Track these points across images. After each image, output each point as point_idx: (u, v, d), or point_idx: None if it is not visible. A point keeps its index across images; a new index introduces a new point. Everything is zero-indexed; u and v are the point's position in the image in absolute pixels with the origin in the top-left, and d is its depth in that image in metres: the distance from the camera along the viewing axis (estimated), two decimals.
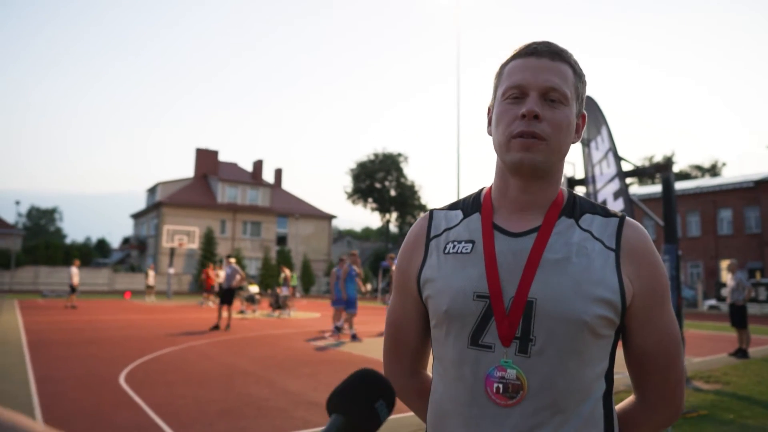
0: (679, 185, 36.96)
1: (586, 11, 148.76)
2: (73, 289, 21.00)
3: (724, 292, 19.46)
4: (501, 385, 1.01)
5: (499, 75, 1.15)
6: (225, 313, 14.22)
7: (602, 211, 1.14)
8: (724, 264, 33.88)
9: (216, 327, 13.97)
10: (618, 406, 1.16)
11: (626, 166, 8.14)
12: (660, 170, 8.84)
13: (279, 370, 8.27)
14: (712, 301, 27.75)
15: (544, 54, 1.09)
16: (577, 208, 1.14)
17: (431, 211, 1.24)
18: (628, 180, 7.14)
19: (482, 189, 1.23)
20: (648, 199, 32.47)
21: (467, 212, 1.19)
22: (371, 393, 0.76)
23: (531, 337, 1.01)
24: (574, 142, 1.15)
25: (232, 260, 15.19)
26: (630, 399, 1.18)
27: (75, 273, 21.19)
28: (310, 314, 16.88)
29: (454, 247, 1.14)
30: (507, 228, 1.11)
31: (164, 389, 6.79)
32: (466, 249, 1.11)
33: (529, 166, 1.06)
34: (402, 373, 1.28)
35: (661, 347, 1.09)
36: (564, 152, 1.11)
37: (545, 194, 1.12)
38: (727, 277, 11.68)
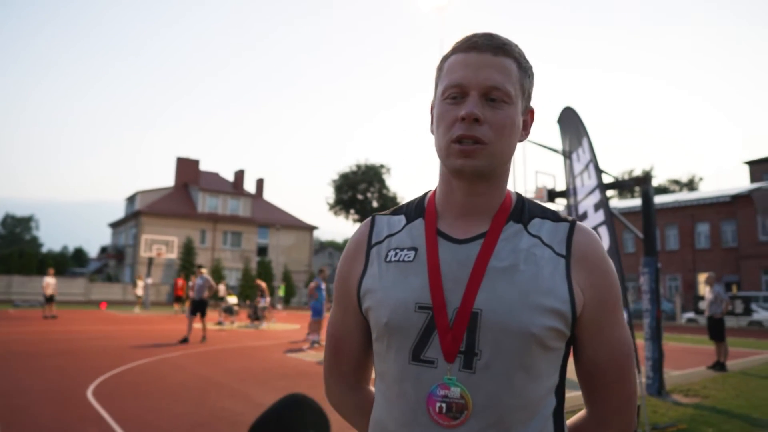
0: (658, 199, 37.41)
1: (570, 22, 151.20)
2: (47, 299, 20.39)
3: (702, 305, 19.63)
4: (444, 405, 0.94)
5: (440, 70, 1.07)
6: (198, 325, 13.86)
7: (552, 215, 1.08)
8: (702, 277, 34.31)
9: (185, 339, 13.38)
10: (569, 421, 1.10)
11: (606, 179, 8.16)
12: (639, 183, 8.89)
13: (255, 383, 8.08)
14: (690, 314, 28.00)
15: (485, 48, 1.01)
16: (525, 212, 1.07)
17: (373, 217, 1.18)
18: (609, 193, 7.15)
19: (427, 193, 1.17)
20: (627, 213, 32.81)
21: (410, 217, 1.12)
22: (298, 423, 0.67)
23: (476, 351, 0.95)
24: (521, 141, 1.08)
25: (203, 270, 14.73)
26: (581, 413, 1.11)
27: (50, 283, 20.56)
28: (289, 326, 16.64)
29: (396, 254, 1.07)
30: (452, 234, 1.05)
31: (135, 402, 6.57)
32: (409, 257, 1.05)
33: (470, 172, 1.00)
34: (342, 388, 1.19)
35: (613, 360, 1.03)
36: (508, 154, 1.04)
37: (491, 198, 1.06)
38: (705, 290, 11.74)
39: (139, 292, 25.96)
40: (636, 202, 37.04)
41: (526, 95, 1.07)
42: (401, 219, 1.13)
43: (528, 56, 1.08)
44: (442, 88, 1.04)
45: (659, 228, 35.59)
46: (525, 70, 1.05)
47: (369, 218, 1.18)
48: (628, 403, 1.06)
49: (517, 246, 1.01)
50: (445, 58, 1.07)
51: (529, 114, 1.10)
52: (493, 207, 1.06)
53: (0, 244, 66.60)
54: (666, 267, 35.91)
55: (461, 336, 0.96)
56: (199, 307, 13.84)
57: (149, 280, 31.53)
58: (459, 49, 1.04)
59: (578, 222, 1.08)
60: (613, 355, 1.03)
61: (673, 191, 59.38)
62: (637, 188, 8.31)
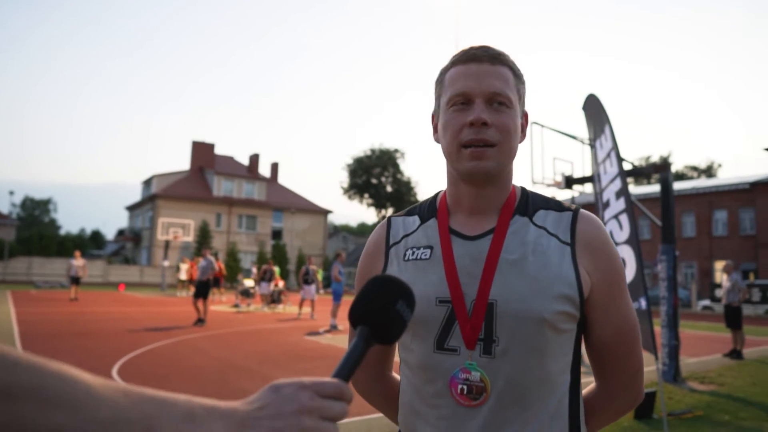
0: (676, 186, 37.01)
1: (585, 10, 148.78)
2: (74, 281, 20.46)
3: (719, 293, 19.53)
4: (465, 387, 1.04)
5: (440, 82, 1.16)
6: (201, 306, 13.75)
7: (556, 205, 1.15)
8: (719, 265, 34.00)
9: (200, 321, 13.45)
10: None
11: (625, 166, 8.12)
12: (658, 170, 8.85)
13: (273, 365, 8.23)
14: (706, 302, 27.83)
15: (484, 59, 1.10)
16: (530, 205, 1.15)
17: (389, 218, 1.27)
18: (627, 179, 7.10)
19: (438, 193, 1.26)
20: (644, 199, 32.52)
21: (424, 218, 1.21)
22: (389, 296, 0.74)
23: (494, 338, 1.04)
24: (520, 142, 1.16)
25: (208, 252, 14.82)
26: (591, 387, 1.20)
27: (78, 265, 20.45)
28: (305, 309, 16.84)
29: (413, 253, 1.15)
30: (463, 232, 1.13)
31: (157, 383, 6.73)
32: (425, 255, 1.13)
33: (482, 174, 1.08)
34: (368, 377, 1.29)
35: (620, 336, 1.12)
36: (513, 154, 1.12)
37: (498, 196, 1.14)
38: (722, 278, 11.67)
39: (183, 276, 26.37)
40: (653, 188, 36.69)
41: (522, 100, 1.15)
42: (415, 219, 1.22)
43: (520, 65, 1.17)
44: (447, 97, 1.12)
45: (676, 215, 35.26)
46: (519, 78, 1.14)
47: (385, 220, 1.28)
48: (635, 376, 1.15)
49: (525, 238, 1.09)
50: (444, 71, 1.16)
51: (524, 117, 1.18)
52: (500, 203, 1.14)
53: (19, 226, 67.65)
54: (682, 254, 35.58)
55: (480, 325, 1.04)
56: (202, 289, 13.80)
57: (166, 263, 31.94)
58: (459, 61, 1.12)
59: (581, 210, 1.15)
60: (620, 332, 1.11)
61: (691, 178, 58.67)
62: (655, 175, 8.27)
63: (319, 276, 17.38)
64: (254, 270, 22.67)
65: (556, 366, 1.06)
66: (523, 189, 1.20)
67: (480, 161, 1.07)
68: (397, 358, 1.28)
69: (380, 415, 1.36)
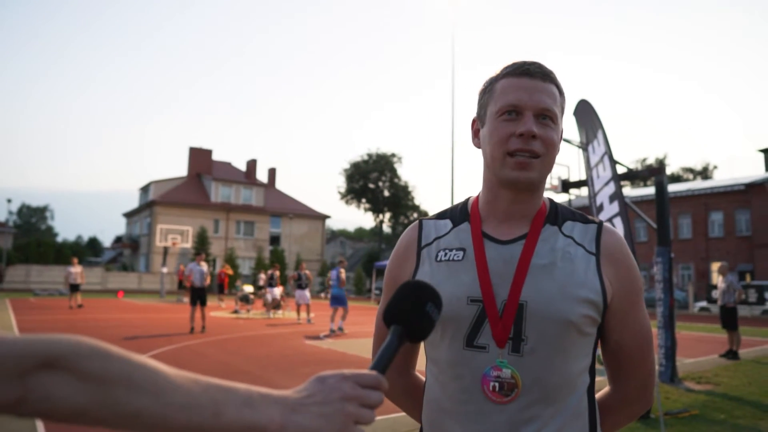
0: (671, 188, 37.19)
1: (581, 12, 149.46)
2: (73, 288, 20.31)
3: (715, 294, 19.62)
4: (497, 384, 1.09)
5: (490, 91, 1.20)
6: (198, 314, 13.44)
7: (581, 217, 1.23)
8: (715, 266, 34.12)
9: (192, 330, 13.14)
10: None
11: (620, 169, 8.24)
12: (653, 174, 8.96)
13: (276, 370, 8.31)
14: (703, 303, 27.97)
15: (536, 75, 1.16)
16: (559, 216, 1.22)
17: (420, 221, 1.32)
18: (621, 182, 7.23)
19: (468, 199, 1.32)
20: (640, 201, 32.64)
21: (456, 221, 1.26)
22: (419, 298, 0.85)
23: (523, 337, 1.10)
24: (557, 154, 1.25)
25: (201, 258, 14.38)
26: (605, 390, 1.27)
27: (76, 271, 20.34)
28: (304, 314, 16.92)
29: (446, 255, 1.21)
30: (496, 236, 1.19)
31: None
32: (458, 256, 1.19)
33: (525, 183, 1.15)
34: (391, 372, 1.29)
35: (635, 342, 1.19)
36: (552, 166, 1.20)
37: (532, 205, 1.21)
38: (717, 279, 11.78)
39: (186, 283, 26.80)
40: (648, 190, 36.83)
41: (562, 116, 1.23)
42: (447, 223, 1.27)
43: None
44: (498, 106, 1.16)
45: (672, 217, 35.42)
46: (563, 96, 1.22)
47: (416, 222, 1.33)
48: (648, 381, 1.23)
49: (554, 245, 1.17)
50: (494, 80, 1.21)
51: (562, 132, 1.27)
52: (532, 212, 1.21)
53: (16, 234, 67.51)
54: (679, 256, 35.77)
55: (510, 324, 1.11)
56: (199, 296, 13.54)
57: (164, 270, 31.95)
58: (511, 73, 1.18)
59: (605, 223, 1.23)
60: (636, 339, 1.20)
61: (687, 179, 58.94)
62: (651, 177, 8.39)
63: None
64: (262, 276, 22.33)
65: (578, 367, 1.13)
66: (551, 200, 1.28)
67: (525, 171, 1.13)
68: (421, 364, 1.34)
69: (404, 414, 1.45)
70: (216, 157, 53.67)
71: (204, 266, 14.02)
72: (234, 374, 7.88)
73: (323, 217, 52.92)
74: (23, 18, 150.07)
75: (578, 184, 9.79)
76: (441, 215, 1.31)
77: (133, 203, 54.87)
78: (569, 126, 8.10)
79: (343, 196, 57.77)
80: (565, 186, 9.75)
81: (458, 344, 1.14)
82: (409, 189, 58.16)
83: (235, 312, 19.76)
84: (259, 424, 0.69)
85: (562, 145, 8.61)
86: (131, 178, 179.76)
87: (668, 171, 59.02)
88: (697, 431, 5.46)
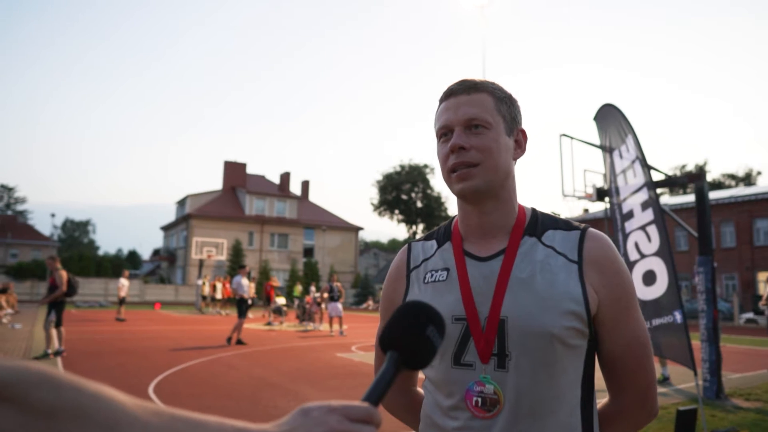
0: (713, 195, 36.06)
1: (614, 24, 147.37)
2: (121, 301, 20.89)
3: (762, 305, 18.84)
4: (480, 399, 1.10)
5: (434, 121, 1.26)
6: (247, 325, 13.88)
7: (564, 225, 1.21)
8: (762, 276, 32.89)
9: (236, 340, 13.26)
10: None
11: (657, 176, 7.97)
12: (693, 180, 8.65)
13: (306, 383, 8.26)
14: (749, 314, 26.90)
15: (459, 92, 1.20)
16: (539, 225, 1.21)
17: (409, 244, 1.36)
18: (658, 190, 7.00)
19: (452, 218, 1.33)
20: (680, 209, 31.77)
21: (441, 242, 1.29)
22: (419, 322, 0.76)
23: (507, 352, 1.10)
24: (517, 158, 1.24)
25: (242, 271, 14.84)
26: (604, 401, 1.24)
27: (124, 284, 21.05)
28: (336, 326, 16.87)
29: (431, 276, 1.24)
30: (476, 253, 1.20)
31: (192, 401, 6.83)
32: (442, 277, 1.21)
33: (471, 192, 1.16)
34: (394, 391, 1.34)
35: (629, 351, 1.15)
36: (504, 170, 1.18)
37: (503, 214, 1.20)
38: (765, 289, 11.28)
39: (218, 295, 27.89)
40: (689, 198, 35.80)
41: (509, 119, 1.21)
42: (433, 244, 1.30)
43: (505, 88, 1.26)
44: (436, 133, 1.24)
45: (714, 225, 34.31)
46: (500, 99, 1.21)
47: (406, 246, 1.36)
48: (646, 391, 1.18)
49: (534, 258, 1.15)
50: (436, 111, 1.26)
51: (520, 134, 1.25)
52: (508, 224, 1.21)
53: (60, 247, 69.58)
54: (722, 265, 34.53)
55: (493, 340, 1.11)
56: (245, 307, 13.98)
57: (200, 282, 32.42)
58: (441, 99, 1.24)
59: (590, 229, 1.20)
60: (629, 348, 1.15)
61: (729, 186, 57.11)
62: (690, 184, 8.09)
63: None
64: (313, 290, 20.86)
65: (566, 380, 1.10)
66: (533, 210, 1.27)
67: (466, 181, 1.15)
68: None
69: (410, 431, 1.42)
70: (250, 170, 54.57)
71: (245, 279, 14.44)
72: (264, 386, 7.86)
73: (356, 229, 53.06)
74: (53, 32, 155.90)
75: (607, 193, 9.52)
76: (428, 236, 1.35)
77: (171, 217, 56.03)
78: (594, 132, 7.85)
79: (376, 207, 57.91)
80: (600, 194, 9.48)
81: (447, 363, 1.15)
82: (442, 200, 57.93)
83: (269, 324, 19.84)
84: None
85: (597, 152, 8.35)
86: (169, 192, 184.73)
87: (709, 178, 57.62)
88: None
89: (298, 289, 25.91)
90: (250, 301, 15.07)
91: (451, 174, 1.17)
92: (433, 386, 1.21)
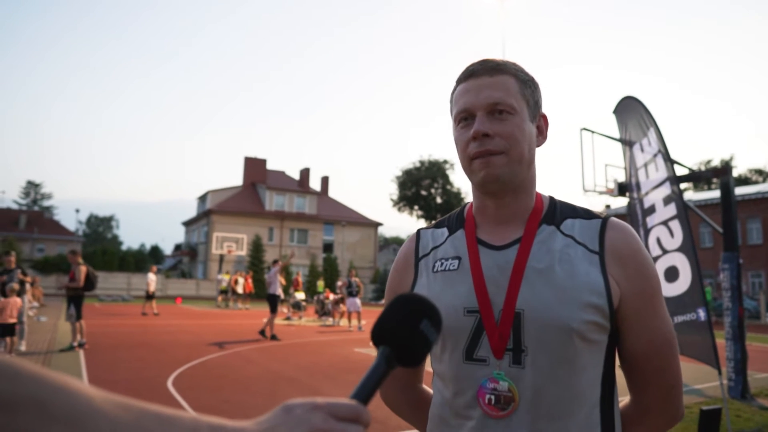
0: (739, 190, 35.21)
1: (632, 20, 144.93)
2: (149, 296, 20.77)
3: None
4: (493, 397, 1.03)
5: (450, 102, 1.18)
6: (265, 319, 13.76)
7: (584, 213, 1.14)
8: None
9: (272, 337, 13.28)
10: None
11: (680, 171, 7.79)
12: (718, 175, 8.45)
13: (324, 378, 8.26)
14: None
15: (481, 73, 1.11)
16: (557, 213, 1.15)
17: (418, 231, 1.28)
18: (682, 186, 6.84)
19: (465, 205, 1.26)
20: (704, 205, 31.17)
21: (452, 229, 1.22)
22: (413, 315, 0.71)
23: (523, 347, 1.03)
24: (539, 145, 1.16)
25: (275, 265, 14.68)
26: (626, 401, 1.16)
27: (152, 279, 20.91)
28: (355, 321, 16.90)
29: (441, 264, 1.16)
30: (490, 242, 1.13)
31: (211, 394, 6.87)
32: (453, 266, 1.14)
33: (494, 181, 1.09)
34: (397, 387, 1.30)
35: (653, 349, 1.08)
36: (527, 159, 1.11)
37: (521, 204, 1.14)
38: None
39: (239, 289, 27.86)
40: (714, 194, 35.10)
41: (532, 104, 1.14)
42: (444, 231, 1.23)
43: (527, 70, 1.17)
44: (454, 117, 1.15)
45: (740, 221, 33.55)
46: (524, 82, 1.14)
47: (414, 233, 1.29)
48: (671, 392, 1.10)
49: (552, 247, 1.08)
50: (452, 93, 1.18)
51: (542, 119, 1.18)
52: (525, 212, 1.14)
53: (85, 242, 70.82)
54: (749, 262, 33.80)
55: (507, 334, 1.04)
56: (276, 302, 13.96)
57: (221, 277, 32.72)
58: (460, 80, 1.15)
59: (611, 218, 1.13)
60: (653, 345, 1.08)
61: (756, 182, 55.87)
62: (715, 180, 7.91)
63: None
64: (338, 283, 20.39)
65: (586, 377, 1.04)
66: (551, 198, 1.20)
67: (489, 170, 1.08)
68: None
69: (413, 430, 1.35)
70: (270, 166, 54.84)
71: (280, 274, 14.46)
72: (282, 381, 7.88)
73: (376, 225, 53.07)
74: (74, 28, 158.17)
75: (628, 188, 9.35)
76: (439, 224, 1.27)
77: (192, 212, 56.66)
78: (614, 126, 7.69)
79: (396, 203, 57.80)
80: (622, 189, 9.32)
81: (458, 358, 1.09)
82: (462, 195, 57.60)
83: (287, 319, 19.94)
84: None
85: (618, 146, 8.19)
86: (190, 188, 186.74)
87: (735, 173, 56.34)
88: None
89: (321, 284, 25.90)
90: (282, 296, 15.06)
91: (472, 161, 1.10)
92: (442, 383, 1.14)
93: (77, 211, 49.07)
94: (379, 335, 0.71)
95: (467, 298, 1.08)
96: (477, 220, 1.18)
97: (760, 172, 58.86)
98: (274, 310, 13.75)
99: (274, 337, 13.25)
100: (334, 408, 0.60)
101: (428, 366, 1.26)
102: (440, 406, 1.13)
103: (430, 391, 1.24)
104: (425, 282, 1.17)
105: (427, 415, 1.21)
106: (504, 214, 1.14)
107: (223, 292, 28.77)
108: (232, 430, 0.60)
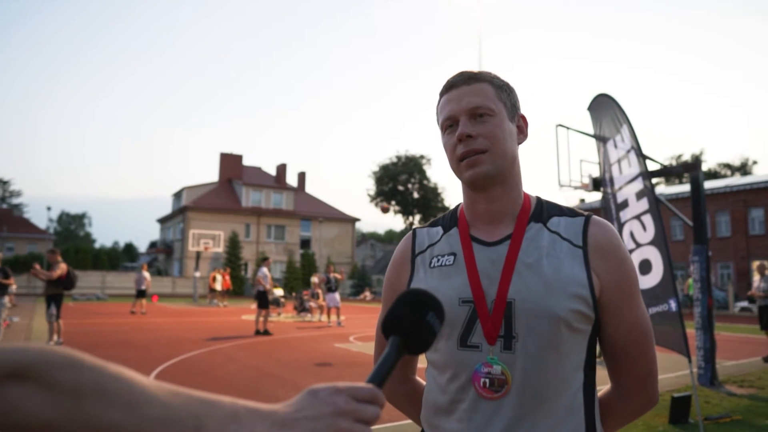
0: (708, 184, 36.12)
1: (611, 15, 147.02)
2: (139, 294, 20.61)
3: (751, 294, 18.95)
4: (487, 380, 1.12)
5: (436, 115, 1.29)
6: (260, 317, 14.12)
7: (569, 212, 1.25)
8: (757, 265, 33.08)
9: (263, 329, 13.80)
10: (598, 394, 1.25)
11: (653, 166, 8.01)
12: (688, 170, 8.71)
13: (305, 373, 8.32)
14: (744, 303, 27.11)
15: (460, 83, 1.23)
16: (544, 212, 1.24)
17: (414, 230, 1.38)
18: (654, 180, 7.09)
19: (458, 206, 1.36)
20: (675, 199, 31.87)
21: (446, 228, 1.31)
22: (420, 308, 0.80)
23: (514, 334, 1.12)
24: (521, 142, 1.28)
25: (265, 263, 15.20)
26: (607, 387, 1.27)
27: (146, 277, 20.85)
28: (334, 316, 16.97)
29: (438, 260, 1.26)
30: (483, 238, 1.23)
31: None
32: (449, 261, 1.23)
33: (482, 177, 1.19)
34: (393, 379, 1.36)
35: (631, 338, 1.18)
36: (510, 155, 1.22)
37: (509, 200, 1.24)
38: (755, 278, 11.40)
39: (218, 287, 27.39)
40: (684, 187, 35.91)
41: (510, 105, 1.25)
42: (439, 230, 1.33)
43: (502, 77, 1.29)
44: (440, 125, 1.27)
45: (709, 214, 34.40)
46: (500, 87, 1.25)
47: (410, 232, 1.38)
48: (647, 379, 1.21)
49: (540, 243, 1.18)
50: (437, 105, 1.29)
51: (521, 119, 1.29)
52: (514, 210, 1.24)
53: (56, 241, 69.47)
54: (717, 254, 34.75)
55: (500, 322, 1.13)
56: (267, 299, 14.27)
57: (197, 274, 32.44)
58: (442, 92, 1.27)
59: (593, 216, 1.24)
60: (631, 334, 1.18)
61: (725, 176, 57.28)
62: (686, 174, 8.15)
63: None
64: (315, 279, 20.02)
65: (570, 363, 1.13)
66: (538, 198, 1.30)
67: (476, 167, 1.18)
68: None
69: (409, 421, 1.44)
70: (246, 162, 54.35)
71: (268, 271, 14.74)
72: (263, 377, 7.92)
73: (353, 220, 53.09)
74: (42, 22, 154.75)
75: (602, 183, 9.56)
76: (433, 223, 1.37)
77: (167, 209, 55.99)
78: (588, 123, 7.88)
79: (373, 198, 57.90)
80: (596, 184, 9.53)
81: (453, 345, 1.17)
82: (439, 190, 57.98)
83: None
84: None
85: (593, 142, 8.38)
86: (165, 184, 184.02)
87: (705, 167, 57.70)
88: None
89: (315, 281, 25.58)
90: (270, 294, 15.29)
91: (460, 162, 1.20)
92: (436, 370, 1.22)
93: (48, 208, 47.95)
94: (389, 326, 0.79)
95: (462, 289, 1.17)
96: (469, 218, 1.27)
97: (728, 166, 60.34)
98: (266, 306, 14.11)
99: (266, 332, 13.70)
100: (354, 391, 0.68)
101: (421, 362, 1.34)
102: (434, 392, 1.21)
103: (423, 382, 1.33)
104: (422, 276, 1.26)
105: (420, 404, 1.30)
106: (495, 209, 1.23)
107: (212, 291, 28.02)
108: (265, 412, 0.67)
